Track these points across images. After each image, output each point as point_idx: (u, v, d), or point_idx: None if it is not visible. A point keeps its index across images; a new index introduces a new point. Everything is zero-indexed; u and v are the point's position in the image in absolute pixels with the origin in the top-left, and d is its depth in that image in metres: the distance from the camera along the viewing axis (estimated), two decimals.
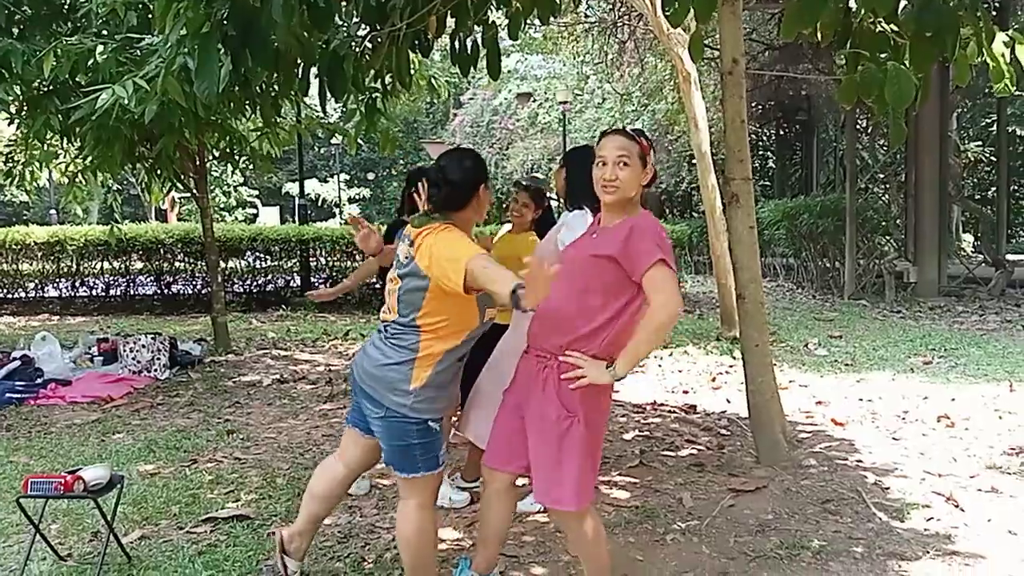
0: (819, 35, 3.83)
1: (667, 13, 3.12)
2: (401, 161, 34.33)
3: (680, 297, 2.22)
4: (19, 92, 6.05)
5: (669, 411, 5.13)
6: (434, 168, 2.49)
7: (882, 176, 13.51)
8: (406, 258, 2.40)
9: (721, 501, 3.45)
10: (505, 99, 22.49)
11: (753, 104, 15.55)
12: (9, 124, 7.18)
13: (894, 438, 4.42)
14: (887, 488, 3.60)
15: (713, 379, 6.05)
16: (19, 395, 5.54)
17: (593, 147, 2.57)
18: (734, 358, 6.76)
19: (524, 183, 3.84)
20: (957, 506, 3.36)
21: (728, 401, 5.31)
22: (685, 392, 5.67)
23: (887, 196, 13.09)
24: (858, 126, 13.48)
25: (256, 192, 29.77)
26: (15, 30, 5.90)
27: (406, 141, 29.65)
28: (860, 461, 3.99)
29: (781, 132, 19.41)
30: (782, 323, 8.64)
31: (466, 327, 2.40)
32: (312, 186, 29.96)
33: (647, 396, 5.54)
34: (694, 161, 9.55)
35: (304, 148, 15.61)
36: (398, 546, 2.55)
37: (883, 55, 3.64)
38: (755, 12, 11.59)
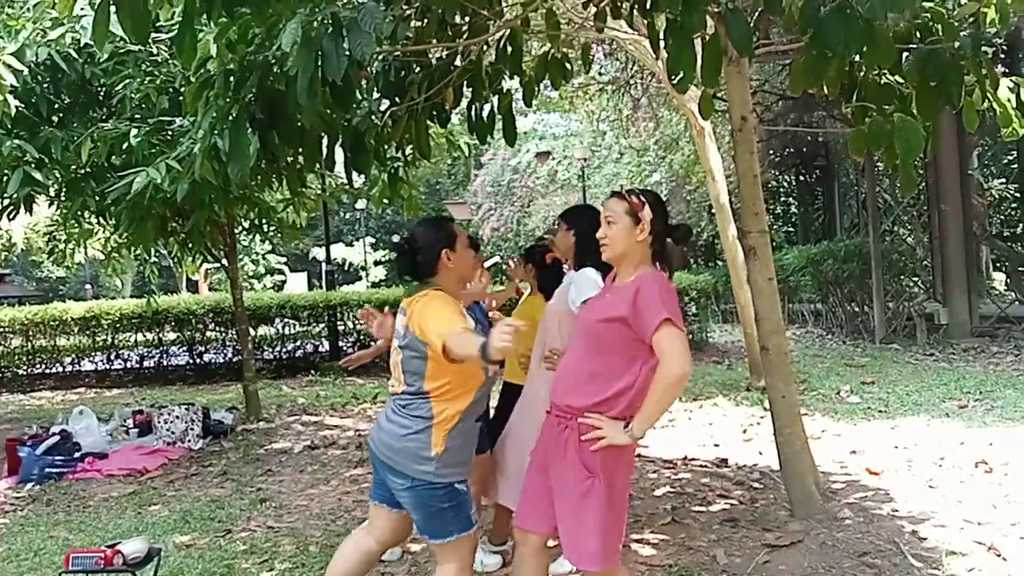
0: (826, 89, 3.94)
1: (673, 82, 3.22)
2: None
3: (687, 357, 2.24)
4: (58, 176, 6.35)
5: (700, 465, 5.09)
6: (401, 239, 2.62)
7: (906, 218, 13.45)
8: (403, 328, 2.48)
9: (756, 557, 3.40)
10: (524, 158, 22.89)
11: (771, 152, 15.69)
12: (49, 206, 7.49)
13: (931, 486, 4.34)
14: (925, 538, 3.54)
15: (744, 431, 6.00)
16: (58, 469, 5.65)
17: (593, 206, 2.75)
18: (765, 409, 6.69)
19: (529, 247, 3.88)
20: (999, 555, 3.29)
21: (760, 453, 5.25)
22: (716, 445, 5.62)
23: (912, 237, 13.01)
24: (877, 168, 13.51)
25: (284, 259, 30.34)
26: (55, 118, 6.21)
27: (428, 203, 30.13)
28: (896, 511, 3.93)
29: (801, 178, 19.46)
30: (812, 370, 8.55)
31: (472, 385, 2.45)
32: (338, 251, 30.46)
33: (677, 451, 5.50)
34: (714, 211, 9.66)
35: (329, 214, 15.97)
36: None
37: (889, 107, 3.72)
38: (765, 64, 11.79)
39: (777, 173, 18.22)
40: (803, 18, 3.23)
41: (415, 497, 2.42)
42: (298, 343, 11.26)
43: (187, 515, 4.55)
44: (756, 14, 4.14)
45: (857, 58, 3.67)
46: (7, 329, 11.10)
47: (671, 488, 4.60)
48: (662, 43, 3.44)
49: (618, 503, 2.37)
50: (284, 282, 28.71)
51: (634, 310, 2.28)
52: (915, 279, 12.06)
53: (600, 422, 2.29)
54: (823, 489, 4.13)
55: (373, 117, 4.54)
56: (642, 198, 2.41)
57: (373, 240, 33.67)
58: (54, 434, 5.99)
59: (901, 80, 3.75)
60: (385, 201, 7.00)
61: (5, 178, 5.83)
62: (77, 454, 5.88)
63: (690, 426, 6.37)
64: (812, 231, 18.61)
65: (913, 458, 4.89)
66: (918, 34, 3.60)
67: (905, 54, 3.59)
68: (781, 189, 19.98)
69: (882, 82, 3.82)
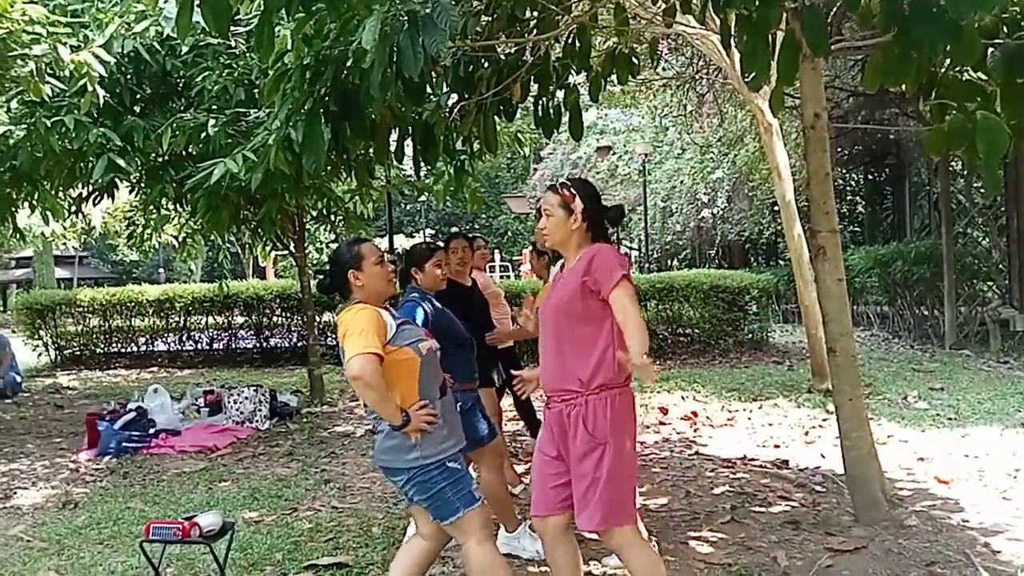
0: (903, 86, 3.83)
1: (747, 79, 3.19)
2: (483, 215, 35.04)
3: (641, 318, 2.53)
4: (139, 163, 6.63)
5: (760, 466, 5.03)
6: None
7: (981, 220, 12.95)
8: (340, 348, 2.63)
9: (818, 561, 3.36)
10: (585, 153, 22.78)
11: (839, 150, 15.28)
12: (130, 192, 7.82)
13: (1004, 497, 4.20)
14: (998, 551, 3.44)
15: (806, 433, 5.90)
16: (134, 444, 5.93)
17: None
18: (828, 412, 6.56)
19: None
20: None
21: (823, 456, 5.16)
22: (776, 446, 5.55)
23: (987, 240, 12.52)
24: (952, 168, 13.04)
25: None
26: (137, 108, 6.48)
27: (488, 196, 30.31)
28: (967, 521, 3.82)
29: (870, 177, 18.89)
30: (878, 374, 8.33)
31: (407, 371, 2.61)
32: (399, 241, 30.89)
33: (737, 450, 5.45)
34: (777, 208, 9.45)
35: (392, 205, 16.22)
36: None
37: (971, 104, 3.60)
38: (836, 59, 11.48)
39: (844, 171, 17.74)
40: (884, 14, 3.15)
41: (415, 485, 2.59)
42: None
43: (255, 492, 4.72)
44: (833, 10, 4.04)
45: (939, 55, 3.57)
46: (87, 309, 11.63)
47: (730, 487, 4.56)
48: (734, 40, 3.42)
49: (628, 463, 2.57)
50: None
51: (590, 272, 2.52)
52: (990, 283, 11.60)
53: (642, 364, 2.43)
54: (889, 495, 4.05)
55: (441, 111, 4.63)
56: (573, 190, 2.65)
57: (432, 232, 34.03)
58: (131, 410, 6.28)
59: (984, 77, 3.63)
60: (447, 194, 7.12)
61: (91, 164, 6.13)
62: (152, 430, 6.15)
63: (749, 426, 6.29)
64: (880, 231, 18.05)
65: (985, 468, 4.74)
66: (1005, 29, 3.48)
67: (990, 49, 3.48)
68: (848, 188, 19.43)
69: (964, 79, 3.70)
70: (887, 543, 3.54)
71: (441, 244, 3.88)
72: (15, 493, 4.95)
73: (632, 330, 2.46)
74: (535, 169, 26.43)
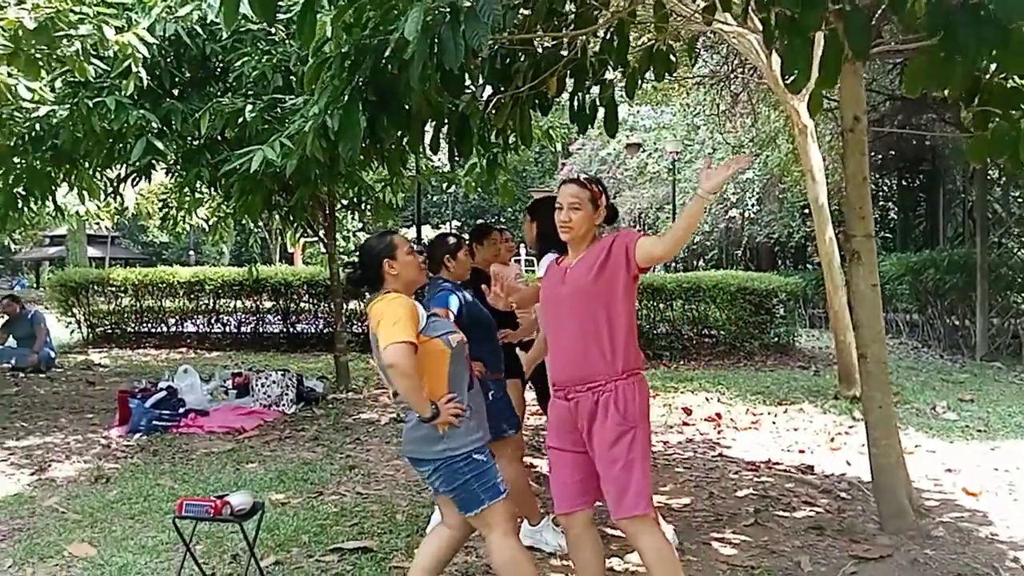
0: (945, 92, 3.78)
1: (787, 81, 3.16)
2: (509, 209, 35.05)
3: None
4: (176, 146, 6.72)
5: (784, 470, 5.01)
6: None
7: (1017, 230, 12.71)
8: (373, 336, 2.64)
9: (842, 567, 3.35)
10: (614, 149, 22.70)
11: (873, 154, 15.06)
12: (166, 175, 7.93)
13: None
14: None
15: (832, 439, 5.85)
16: (164, 423, 6.03)
17: (555, 196, 2.97)
18: (854, 418, 6.51)
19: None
20: None
21: (848, 463, 5.12)
22: (801, 452, 5.51)
23: (1023, 251, 12.29)
24: (989, 176, 12.80)
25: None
26: (175, 91, 6.56)
27: (515, 189, 30.31)
28: (996, 535, 3.77)
29: (903, 182, 18.61)
30: (906, 383, 8.23)
31: (438, 363, 2.62)
32: (425, 232, 31.01)
33: (761, 454, 5.42)
34: (807, 211, 9.36)
35: (420, 196, 16.29)
36: None
37: (1016, 112, 3.54)
38: (874, 62, 11.32)
39: (878, 176, 17.48)
40: (930, 18, 3.12)
41: (440, 477, 2.61)
42: None
43: (282, 475, 4.79)
44: (878, 13, 3.99)
45: (985, 61, 3.51)
46: (119, 288, 11.83)
47: (753, 490, 4.54)
48: (775, 40, 3.39)
49: (649, 448, 2.63)
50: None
51: (612, 249, 2.58)
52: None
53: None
54: (916, 505, 4.01)
55: (477, 103, 4.64)
56: (600, 186, 2.73)
57: (459, 224, 34.12)
58: (161, 389, 6.38)
59: None
60: (477, 186, 7.14)
61: (129, 146, 6.23)
62: (181, 410, 6.26)
63: (774, 430, 6.25)
64: (912, 238, 17.78)
65: (1016, 482, 4.67)
66: None
67: None
68: (880, 193, 19.16)
69: (1009, 85, 3.64)
70: (913, 553, 3.51)
71: (466, 236, 3.90)
72: (50, 466, 5.06)
73: (675, 224, 2.55)
74: (563, 164, 26.41)
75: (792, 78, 3.19)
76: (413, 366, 2.50)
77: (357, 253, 2.86)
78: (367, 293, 2.84)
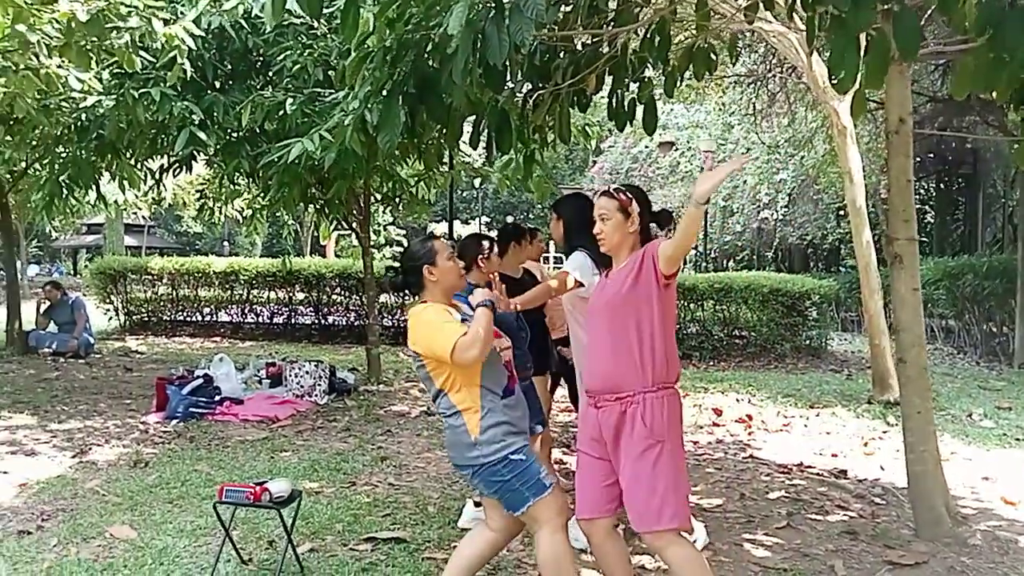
0: (993, 94, 3.71)
1: (833, 82, 3.13)
2: (539, 205, 35.02)
3: None
4: (217, 138, 6.82)
5: (816, 474, 4.96)
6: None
7: None
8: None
9: (877, 573, 3.32)
10: (646, 147, 22.57)
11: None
12: (207, 166, 8.06)
13: None
14: None
15: (865, 444, 5.78)
16: (200, 410, 6.15)
17: (583, 194, 3.32)
18: (888, 423, 6.43)
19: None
20: None
21: (882, 468, 5.06)
22: (834, 455, 5.45)
23: None
24: None
25: (403, 231, 31.29)
26: (217, 83, 6.67)
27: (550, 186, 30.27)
28: None
29: (941, 186, 18.30)
30: (941, 389, 8.10)
31: (470, 370, 2.62)
32: (455, 227, 31.12)
33: (792, 457, 5.37)
34: (842, 213, 9.23)
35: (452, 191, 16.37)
36: (541, 573, 2.71)
37: None
38: (916, 63, 11.13)
39: (916, 179, 17.16)
40: (980, 18, 3.06)
41: (481, 480, 2.64)
42: None
43: (315, 464, 4.86)
44: (928, 13, 3.93)
45: None
46: (156, 277, 12.06)
47: (786, 493, 4.51)
48: (819, 40, 3.36)
49: (682, 462, 2.60)
50: (388, 270, 29.63)
51: (643, 259, 2.59)
52: None
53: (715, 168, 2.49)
54: (953, 513, 3.95)
55: (516, 99, 4.65)
56: (629, 195, 2.71)
57: (488, 220, 34.19)
58: (197, 377, 6.49)
59: None
60: (509, 182, 7.15)
61: (172, 137, 6.34)
62: (217, 397, 6.37)
63: (806, 433, 6.19)
64: (949, 243, 17.48)
65: None
66: None
67: None
68: (917, 196, 18.80)
69: None
70: (949, 560, 3.46)
71: (493, 234, 3.94)
72: (90, 449, 5.19)
73: (677, 229, 2.56)
74: (594, 162, 26.32)
75: (839, 78, 3.15)
76: (475, 339, 2.50)
77: (399, 256, 2.91)
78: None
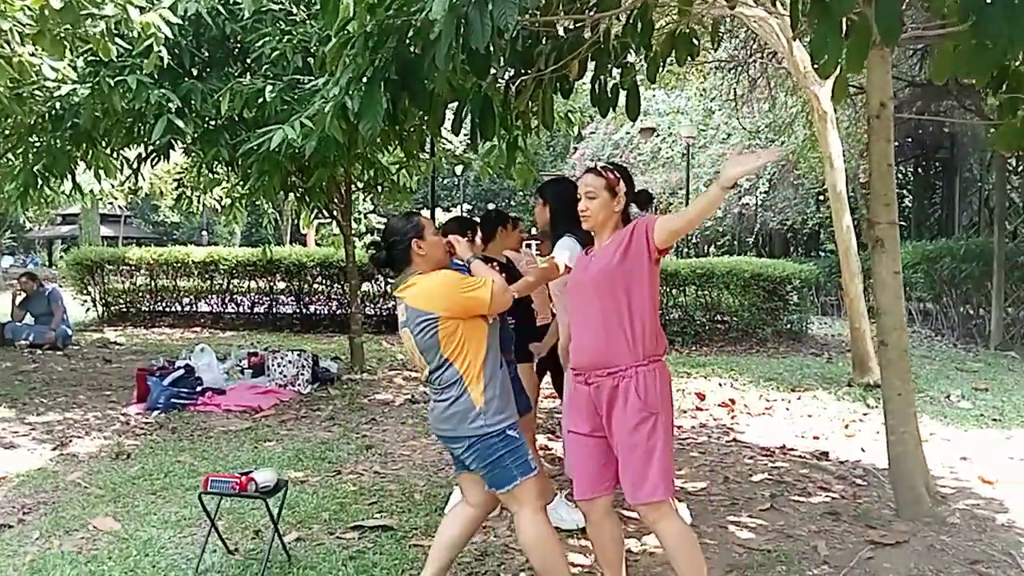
0: (971, 79, 3.75)
1: (816, 65, 3.14)
2: (520, 192, 34.98)
3: None
4: (195, 126, 6.73)
5: (799, 456, 5.02)
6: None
7: None
8: (406, 313, 2.70)
9: (859, 552, 3.36)
10: (627, 133, 22.58)
11: None
12: (185, 155, 7.95)
13: None
14: None
15: (846, 426, 5.85)
16: (182, 401, 6.09)
17: (568, 179, 3.28)
18: (868, 406, 6.52)
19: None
20: None
21: (863, 450, 5.13)
22: (815, 438, 5.52)
23: None
24: (1008, 166, 12.68)
25: (384, 219, 31.14)
26: (194, 71, 6.57)
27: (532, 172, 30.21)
28: (1013, 522, 3.78)
29: (919, 170, 18.49)
30: (920, 371, 8.22)
31: (480, 334, 2.67)
32: (436, 215, 31.02)
33: (775, 440, 5.43)
34: (822, 198, 9.30)
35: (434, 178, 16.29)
36: (527, 556, 2.74)
37: None
38: (895, 48, 11.19)
39: (894, 164, 17.35)
40: (963, 4, 3.08)
41: (475, 453, 2.63)
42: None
43: (300, 453, 4.84)
44: None
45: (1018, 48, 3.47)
46: (134, 267, 11.91)
47: (768, 476, 4.56)
48: (802, 24, 3.36)
49: (671, 438, 2.64)
50: (369, 246, 29.51)
51: (633, 234, 2.61)
52: None
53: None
54: (932, 492, 4.01)
55: (498, 85, 4.63)
56: (616, 174, 2.73)
57: (469, 207, 34.10)
58: (179, 368, 6.44)
59: None
60: (491, 169, 7.12)
61: (148, 125, 6.24)
62: (199, 388, 6.31)
63: (788, 416, 6.26)
64: (926, 226, 17.68)
65: None
66: None
67: None
68: (895, 180, 19.02)
69: None
70: (929, 539, 3.52)
71: (476, 220, 3.94)
72: (71, 441, 5.13)
73: (694, 202, 2.60)
74: (575, 148, 26.30)
75: (822, 63, 3.16)
76: (502, 283, 2.68)
77: (382, 234, 2.87)
78: (388, 276, 2.87)
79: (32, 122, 6.44)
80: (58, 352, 9.07)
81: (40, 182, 7.07)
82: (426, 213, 16.73)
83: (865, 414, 6.25)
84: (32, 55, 4.87)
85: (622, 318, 2.58)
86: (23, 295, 9.68)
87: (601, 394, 2.61)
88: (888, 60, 3.99)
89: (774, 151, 2.62)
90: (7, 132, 6.91)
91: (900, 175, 19.11)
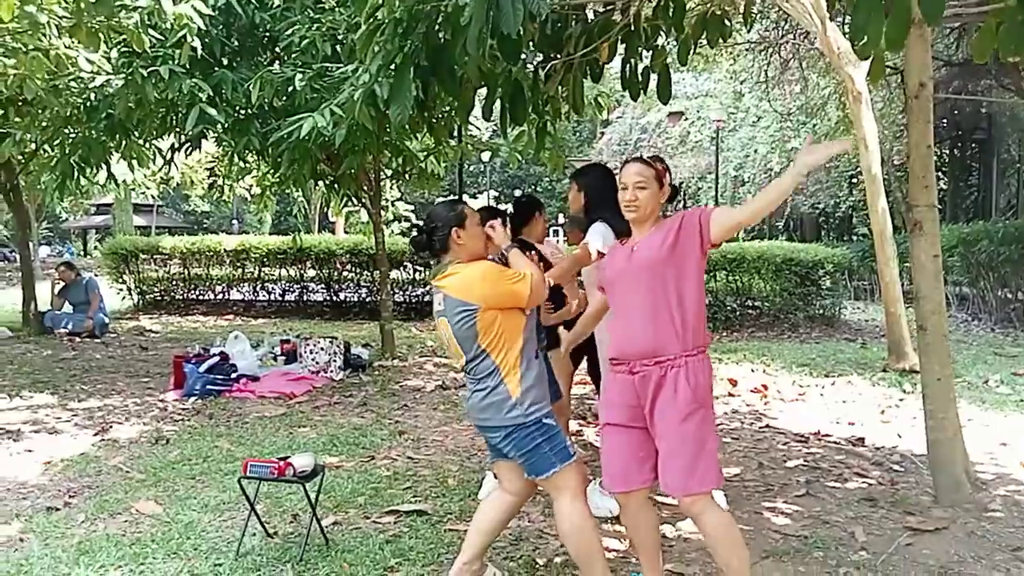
0: (1013, 58, 3.64)
1: (856, 46, 3.07)
2: (547, 178, 34.87)
3: None
4: (226, 115, 6.79)
5: (834, 442, 4.97)
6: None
7: None
8: (443, 303, 2.69)
9: (897, 539, 3.33)
10: (655, 117, 22.38)
11: None
12: (217, 144, 8.03)
13: None
14: None
15: (882, 412, 5.78)
16: (217, 387, 6.19)
17: (603, 165, 3.30)
18: (904, 392, 6.42)
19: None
20: None
21: (899, 436, 5.06)
22: (851, 424, 5.45)
23: None
24: None
25: (411, 207, 31.23)
26: (225, 60, 6.61)
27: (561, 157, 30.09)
28: None
29: (955, 152, 18.10)
30: (957, 356, 8.07)
31: (518, 324, 2.68)
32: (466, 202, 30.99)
33: (809, 425, 5.38)
34: (855, 181, 9.14)
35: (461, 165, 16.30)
36: (564, 543, 2.74)
37: None
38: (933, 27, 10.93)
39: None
40: None
41: (513, 442, 2.64)
42: (428, 287, 11.67)
43: (334, 439, 4.90)
44: None
45: None
46: (168, 256, 12.10)
47: (803, 462, 4.52)
48: (841, 4, 3.29)
49: (714, 424, 2.63)
50: (412, 228, 29.61)
51: (683, 224, 2.58)
52: None
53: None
54: (972, 479, 3.95)
55: (528, 70, 4.60)
56: (663, 164, 2.80)
57: (496, 193, 34.07)
58: (214, 355, 6.54)
59: None
60: (520, 155, 7.09)
61: (181, 115, 6.31)
62: (234, 375, 6.41)
63: (822, 402, 6.19)
64: (963, 209, 17.33)
65: None
66: None
67: None
68: None
69: None
70: (969, 525, 3.47)
71: (505, 207, 3.94)
72: (111, 427, 5.24)
73: (762, 192, 2.56)
74: (602, 133, 26.14)
75: (863, 43, 3.09)
76: (540, 275, 2.69)
77: (424, 218, 2.85)
78: (419, 262, 2.88)
79: (68, 114, 6.54)
80: (96, 340, 9.26)
81: (76, 172, 7.20)
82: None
83: (901, 400, 6.16)
84: (68, 48, 4.94)
85: (671, 307, 2.55)
86: (61, 284, 9.89)
87: (648, 383, 2.56)
88: (927, 39, 3.90)
89: (844, 142, 2.58)
90: (44, 124, 7.04)
91: (936, 157, 18.69)
